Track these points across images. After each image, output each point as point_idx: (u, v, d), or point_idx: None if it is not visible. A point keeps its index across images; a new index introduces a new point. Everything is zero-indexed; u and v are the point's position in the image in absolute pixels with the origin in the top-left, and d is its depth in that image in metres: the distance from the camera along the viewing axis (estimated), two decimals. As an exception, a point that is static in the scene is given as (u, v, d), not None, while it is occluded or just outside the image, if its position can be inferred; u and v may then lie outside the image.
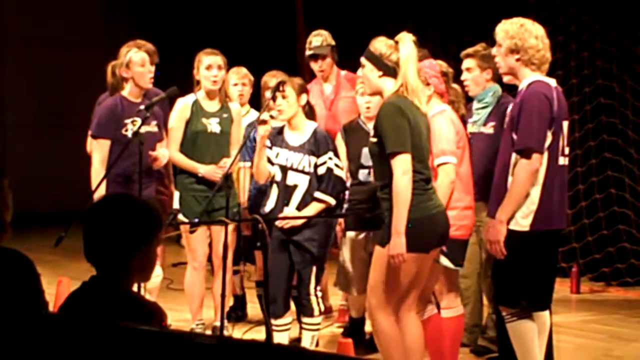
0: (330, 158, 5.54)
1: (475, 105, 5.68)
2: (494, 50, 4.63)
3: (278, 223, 5.48)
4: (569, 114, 4.68)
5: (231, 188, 5.54)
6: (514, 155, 4.41)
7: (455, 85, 5.45)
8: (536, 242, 4.44)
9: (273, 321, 5.51)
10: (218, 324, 5.58)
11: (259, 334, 6.07)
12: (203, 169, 5.80)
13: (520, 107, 4.41)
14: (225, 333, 5.19)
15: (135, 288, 3.14)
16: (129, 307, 2.70)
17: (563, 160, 4.52)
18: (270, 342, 4.63)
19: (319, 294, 5.67)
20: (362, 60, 4.57)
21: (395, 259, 4.32)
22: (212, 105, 5.91)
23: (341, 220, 5.80)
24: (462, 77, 5.67)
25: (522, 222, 4.41)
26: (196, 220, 5.57)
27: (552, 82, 4.53)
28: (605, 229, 8.18)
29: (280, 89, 5.48)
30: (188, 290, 6.01)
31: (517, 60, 4.48)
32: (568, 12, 8.38)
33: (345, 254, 5.82)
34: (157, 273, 5.62)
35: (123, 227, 2.73)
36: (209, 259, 6.05)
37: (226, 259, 4.70)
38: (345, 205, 5.73)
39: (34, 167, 11.10)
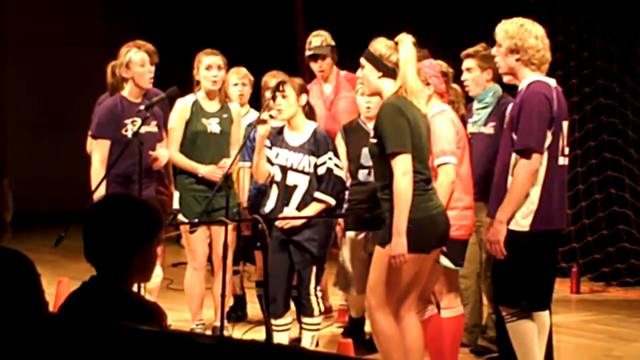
0: (330, 158, 5.54)
1: (476, 105, 5.68)
2: (493, 50, 4.63)
3: (278, 223, 5.48)
4: (568, 114, 4.68)
5: (231, 188, 5.54)
6: (513, 155, 4.41)
7: (455, 86, 5.45)
8: (536, 242, 4.44)
9: (273, 321, 5.51)
10: (218, 324, 5.59)
11: (259, 334, 6.07)
12: (203, 169, 5.80)
13: (520, 107, 4.41)
14: (225, 333, 5.19)
15: (135, 288, 3.14)
16: (129, 307, 2.70)
17: (563, 160, 4.52)
18: (270, 342, 4.63)
19: (319, 294, 5.67)
20: (362, 60, 4.57)
21: (397, 260, 4.32)
22: (212, 106, 5.91)
23: (341, 220, 5.80)
24: (463, 77, 5.67)
25: (522, 222, 4.41)
26: (196, 220, 5.58)
27: (552, 82, 4.54)
28: (605, 229, 8.18)
29: (280, 88, 5.48)
30: (188, 291, 6.01)
31: (517, 60, 4.48)
32: (568, 12, 8.38)
33: (345, 254, 5.82)
34: (157, 273, 5.62)
35: (123, 227, 2.73)
36: (209, 259, 6.05)
37: (226, 259, 4.70)
38: (345, 205, 5.73)
39: (34, 167, 11.10)
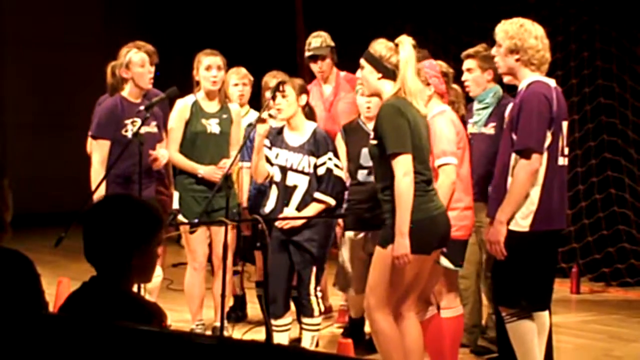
0: (329, 158, 5.54)
1: (476, 105, 5.68)
2: (493, 51, 4.63)
3: (278, 223, 5.48)
4: (568, 114, 4.68)
5: (231, 188, 5.54)
6: (513, 155, 4.41)
7: (455, 86, 5.45)
8: (536, 242, 4.44)
9: (273, 321, 5.51)
10: (218, 324, 5.59)
11: (259, 334, 6.07)
12: (202, 170, 5.80)
13: (520, 108, 4.41)
14: (225, 333, 5.19)
15: (135, 288, 3.14)
16: (129, 308, 2.70)
17: (563, 161, 4.52)
18: (270, 343, 4.63)
19: (319, 294, 5.67)
20: (362, 61, 4.57)
21: (400, 260, 4.32)
22: (212, 106, 5.91)
23: (340, 220, 5.80)
24: (463, 78, 5.67)
25: (522, 222, 4.41)
26: (196, 220, 5.58)
27: (552, 82, 4.53)
28: (605, 229, 8.19)
29: (280, 88, 5.48)
30: (188, 291, 6.01)
31: (517, 60, 4.48)
32: (568, 13, 8.38)
33: (344, 254, 5.82)
34: (157, 273, 5.62)
35: (123, 227, 2.73)
36: (209, 260, 6.05)
37: (226, 259, 4.70)
38: (344, 205, 5.73)
39: (34, 167, 11.11)
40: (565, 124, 4.54)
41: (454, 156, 4.87)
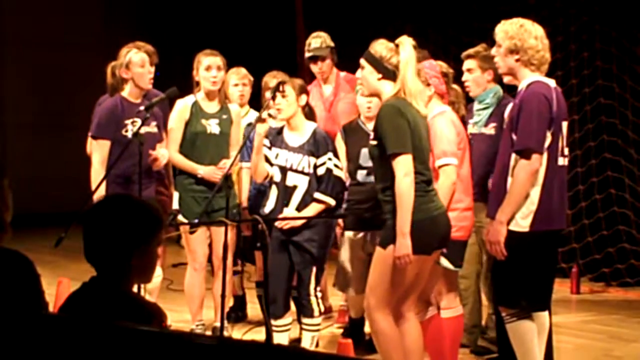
0: (329, 159, 5.54)
1: (476, 106, 5.68)
2: (493, 51, 4.63)
3: (277, 224, 5.49)
4: (568, 114, 4.68)
5: (231, 188, 5.54)
6: (513, 155, 4.41)
7: (455, 86, 5.45)
8: (536, 242, 4.44)
9: (273, 322, 5.51)
10: (218, 324, 5.59)
11: (259, 334, 6.07)
12: (202, 170, 5.80)
13: (520, 108, 4.41)
14: (225, 334, 5.19)
15: (135, 289, 3.14)
16: (129, 308, 2.70)
17: (562, 161, 4.52)
18: (270, 343, 4.63)
19: (319, 294, 5.67)
20: (362, 61, 4.57)
21: (402, 260, 4.32)
22: (212, 107, 5.91)
23: (340, 220, 5.80)
24: (463, 78, 5.67)
25: (522, 222, 4.41)
26: (196, 220, 5.58)
27: (552, 82, 4.53)
28: (605, 229, 8.18)
29: (280, 89, 5.48)
30: (188, 291, 6.01)
31: (517, 60, 4.48)
32: (568, 13, 8.38)
33: (344, 253, 5.82)
34: (157, 273, 5.62)
35: (123, 227, 2.73)
36: (209, 260, 6.05)
37: (226, 259, 4.70)
38: (344, 206, 5.73)
39: (34, 167, 11.11)
40: (565, 124, 4.54)
41: (455, 157, 4.87)
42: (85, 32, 11.82)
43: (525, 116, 4.36)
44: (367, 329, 5.72)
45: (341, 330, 6.26)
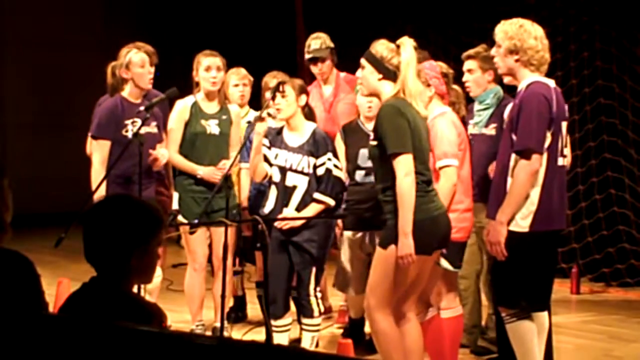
0: (329, 159, 5.54)
1: (477, 106, 5.68)
2: (493, 51, 4.63)
3: (277, 224, 5.49)
4: (568, 114, 4.68)
5: (231, 189, 5.54)
6: (513, 156, 4.41)
7: (456, 87, 5.45)
8: (535, 243, 4.44)
9: (273, 322, 5.51)
10: (218, 324, 5.59)
11: (259, 334, 6.07)
12: (202, 171, 5.80)
13: (520, 108, 4.41)
14: (225, 334, 5.19)
15: (135, 289, 3.14)
16: (128, 308, 2.70)
17: (562, 161, 4.52)
18: (270, 343, 4.63)
19: (319, 294, 5.67)
20: (363, 61, 4.57)
21: (404, 260, 4.33)
22: (212, 107, 5.91)
23: (339, 220, 5.80)
24: (464, 79, 5.67)
25: (522, 223, 4.40)
26: (196, 221, 5.58)
27: (551, 82, 4.54)
28: (605, 229, 8.18)
29: (280, 89, 5.48)
30: (188, 292, 6.01)
31: (516, 61, 4.48)
32: (568, 13, 8.37)
33: (344, 254, 5.82)
34: (157, 274, 5.62)
35: (123, 227, 2.73)
36: (209, 260, 6.05)
37: (226, 260, 4.70)
38: (343, 206, 5.73)
39: (34, 167, 11.11)
40: (564, 125, 4.54)
41: (455, 158, 4.87)
42: (85, 32, 11.82)
43: (525, 116, 4.36)
44: (367, 329, 5.72)
45: (341, 331, 6.26)
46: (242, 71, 6.51)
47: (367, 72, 4.55)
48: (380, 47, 4.52)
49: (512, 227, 4.40)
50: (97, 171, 5.53)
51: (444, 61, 5.41)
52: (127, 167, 5.51)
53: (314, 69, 6.60)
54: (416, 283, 4.56)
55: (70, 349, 2.15)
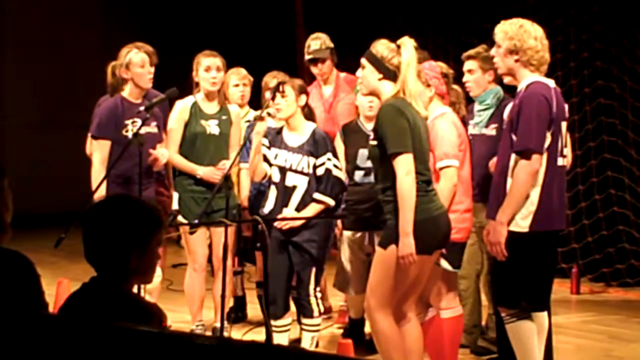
0: (329, 159, 5.54)
1: (477, 107, 5.68)
2: (492, 51, 4.63)
3: (277, 224, 5.48)
4: (568, 114, 4.68)
5: (231, 189, 5.54)
6: (513, 156, 4.41)
7: (456, 87, 5.45)
8: (535, 243, 4.44)
9: (273, 322, 5.51)
10: (218, 325, 5.59)
11: (259, 335, 6.07)
12: (201, 171, 5.80)
13: (519, 108, 4.41)
14: (225, 334, 5.19)
15: (135, 289, 3.14)
16: (128, 308, 2.70)
17: (562, 161, 4.52)
18: (270, 343, 4.63)
19: (319, 294, 5.67)
20: (363, 61, 4.57)
21: (405, 260, 4.32)
22: (211, 107, 5.91)
23: (339, 221, 5.80)
24: (464, 79, 5.67)
25: (522, 223, 4.40)
26: (196, 221, 5.57)
27: (551, 83, 4.54)
28: (605, 229, 8.18)
29: (280, 89, 5.48)
30: (188, 292, 6.01)
31: (516, 61, 4.48)
32: (567, 13, 8.37)
33: (343, 253, 5.83)
34: (157, 273, 5.60)
35: (123, 228, 2.73)
36: (209, 261, 6.05)
37: (226, 260, 4.70)
38: (342, 206, 5.73)
39: (34, 167, 11.10)
40: (564, 125, 4.54)
41: (456, 159, 4.87)
42: (85, 32, 11.81)
43: (525, 117, 4.36)
44: (367, 329, 5.73)
45: (341, 331, 6.26)
46: (242, 71, 6.51)
47: (367, 72, 4.54)
48: (381, 47, 4.52)
49: (512, 227, 4.40)
50: (97, 171, 5.53)
51: (443, 61, 5.41)
52: (127, 167, 5.51)
53: (314, 70, 6.60)
54: (416, 283, 4.56)
55: (70, 349, 2.15)
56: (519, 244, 4.39)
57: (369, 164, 5.37)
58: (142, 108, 5.52)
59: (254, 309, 6.63)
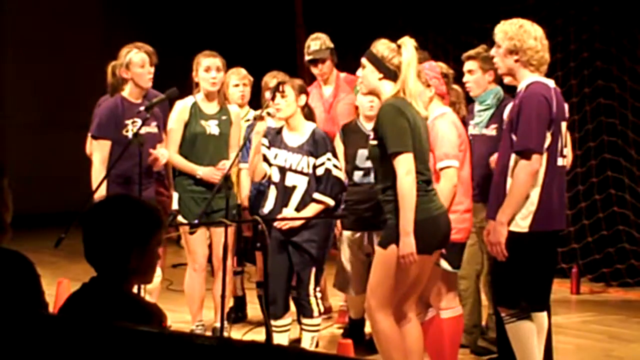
0: (328, 159, 5.54)
1: (477, 107, 5.68)
2: (492, 51, 4.63)
3: (277, 224, 5.48)
4: (568, 114, 4.68)
5: (231, 189, 5.54)
6: (513, 156, 4.41)
7: (456, 87, 5.45)
8: (535, 243, 4.44)
9: (273, 322, 5.51)
10: (218, 325, 5.59)
11: (259, 335, 6.07)
12: (201, 171, 5.80)
13: (519, 109, 4.41)
14: (225, 334, 5.19)
15: (135, 289, 3.14)
16: (128, 309, 2.70)
17: (562, 161, 4.52)
18: (270, 343, 4.63)
19: (319, 294, 5.67)
20: (363, 60, 4.57)
21: (406, 259, 4.33)
22: (211, 107, 5.92)
23: (338, 221, 5.80)
24: (464, 79, 5.67)
25: (521, 223, 4.40)
26: (196, 221, 5.58)
27: (551, 83, 4.54)
28: (605, 229, 8.18)
29: (280, 89, 5.49)
30: (188, 292, 6.01)
31: (516, 61, 4.48)
32: (567, 13, 8.37)
33: (343, 254, 5.83)
34: (157, 273, 5.60)
35: (123, 227, 2.73)
36: (209, 261, 6.05)
37: (226, 260, 4.70)
38: (342, 206, 5.73)
39: (34, 167, 11.09)
40: (564, 125, 4.54)
41: (456, 159, 4.87)
42: (85, 32, 11.81)
43: (525, 117, 4.36)
44: (367, 329, 5.73)
45: (341, 331, 6.26)
46: (242, 71, 6.51)
47: (367, 71, 4.54)
48: (382, 47, 4.52)
49: (512, 228, 4.40)
50: (98, 171, 5.53)
51: (443, 61, 5.41)
52: (127, 167, 5.51)
53: (314, 70, 6.59)
54: (417, 283, 4.56)
55: (70, 349, 2.15)
56: (519, 244, 4.39)
57: (368, 164, 5.37)
58: (142, 108, 5.52)
59: (254, 309, 6.63)
